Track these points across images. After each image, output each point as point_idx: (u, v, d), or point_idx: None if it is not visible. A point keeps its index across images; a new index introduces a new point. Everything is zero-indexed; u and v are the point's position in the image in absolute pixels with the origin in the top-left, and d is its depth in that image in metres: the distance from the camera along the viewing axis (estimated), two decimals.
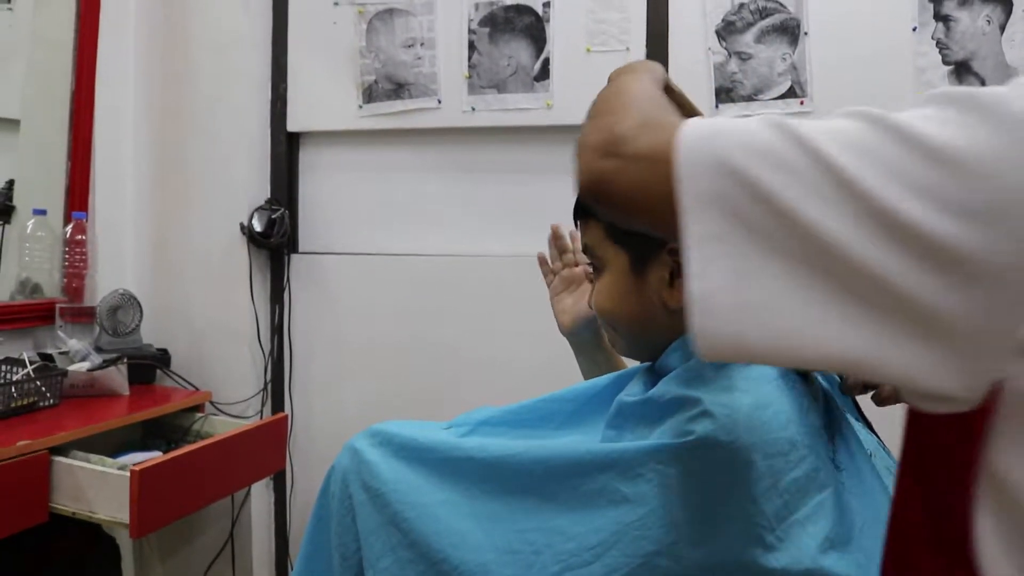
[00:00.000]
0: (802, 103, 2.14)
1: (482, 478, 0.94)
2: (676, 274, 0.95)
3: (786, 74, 2.16)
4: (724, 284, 0.58)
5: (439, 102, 2.34)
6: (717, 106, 2.18)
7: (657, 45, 2.21)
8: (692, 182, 0.60)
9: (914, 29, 2.10)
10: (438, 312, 2.37)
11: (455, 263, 2.36)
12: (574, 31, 2.25)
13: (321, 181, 2.49)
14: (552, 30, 2.27)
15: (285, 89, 2.45)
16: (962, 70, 2.08)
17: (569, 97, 2.26)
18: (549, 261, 1.44)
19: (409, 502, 0.96)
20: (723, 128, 0.61)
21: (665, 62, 2.20)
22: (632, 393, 0.98)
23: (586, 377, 1.40)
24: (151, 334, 2.40)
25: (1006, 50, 2.07)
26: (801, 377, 0.96)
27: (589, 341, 1.35)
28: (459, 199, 2.40)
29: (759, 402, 0.87)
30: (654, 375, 1.01)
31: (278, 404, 2.47)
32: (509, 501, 0.91)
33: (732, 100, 2.18)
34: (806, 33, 2.14)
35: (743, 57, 2.17)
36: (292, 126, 2.46)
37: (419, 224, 2.42)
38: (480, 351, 2.34)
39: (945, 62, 2.09)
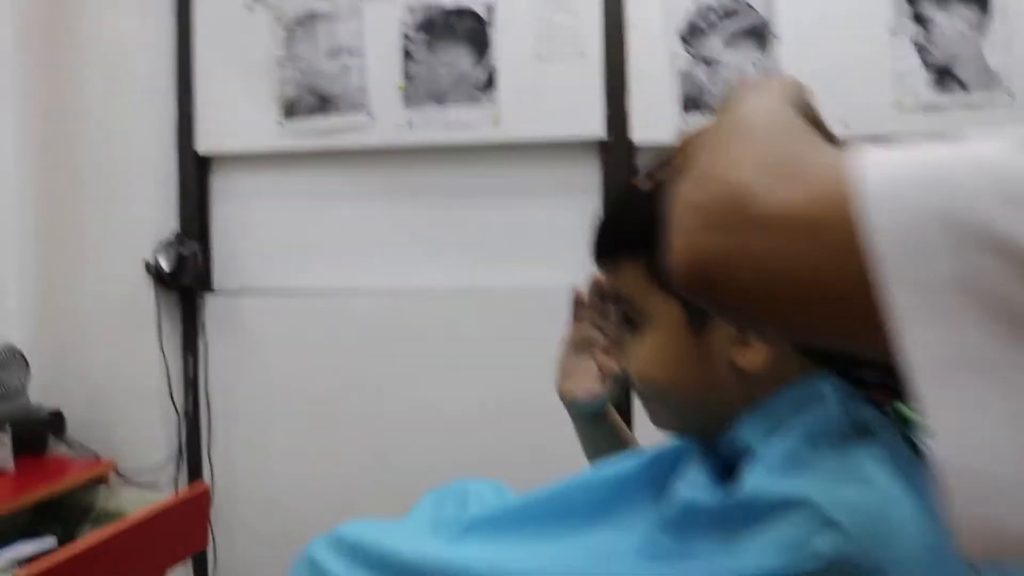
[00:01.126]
0: None
1: None
2: None
3: None
4: (1005, 445, 0.35)
5: (370, 116, 2.07)
6: (685, 117, 1.98)
7: (615, 50, 1.99)
8: (909, 263, 0.36)
9: (892, 32, 1.93)
10: (378, 356, 2.10)
11: (396, 299, 2.10)
12: (522, 36, 2.02)
13: (237, 210, 2.19)
14: (497, 35, 2.03)
15: (192, 106, 2.14)
16: (944, 76, 1.93)
17: (518, 110, 2.02)
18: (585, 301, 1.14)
19: None
20: (936, 162, 0.38)
21: (623, 68, 1.99)
22: (697, 486, 0.74)
23: (587, 451, 1.16)
24: (41, 394, 2.07)
25: (987, 55, 1.92)
26: (910, 446, 0.74)
27: (597, 412, 1.12)
28: (398, 227, 2.13)
29: (887, 496, 0.65)
30: (715, 455, 0.78)
31: (195, 470, 2.15)
32: None
33: (701, 109, 1.98)
34: (777, 37, 1.95)
35: (710, 63, 1.97)
36: (202, 147, 2.15)
37: (353, 256, 2.15)
38: (429, 398, 2.08)
39: (926, 67, 1.93)
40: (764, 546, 0.64)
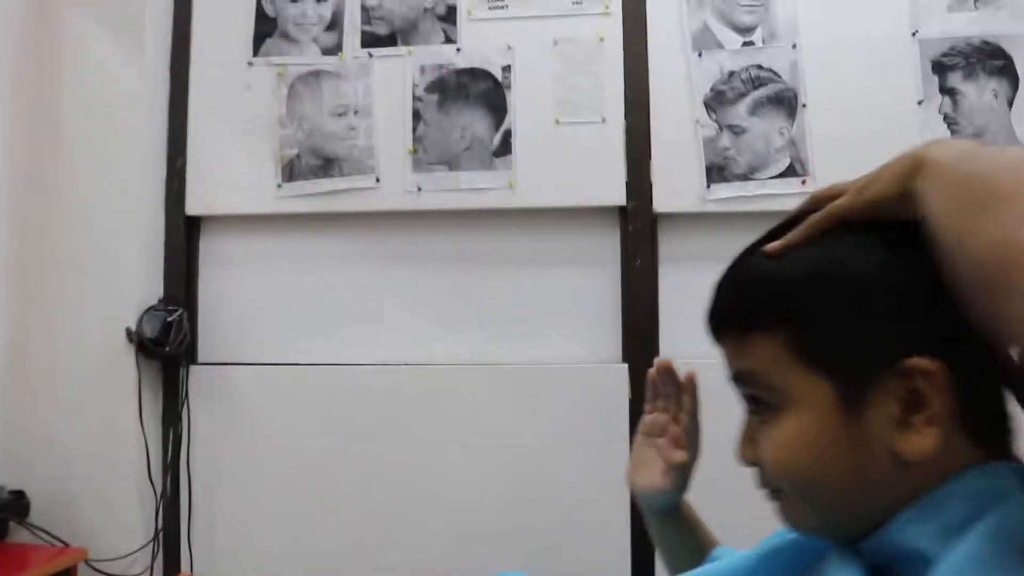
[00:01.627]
0: (804, 183, 1.88)
1: None
2: (913, 407, 0.61)
3: (784, 150, 1.89)
4: None
5: (377, 180, 1.96)
6: (709, 186, 1.89)
7: (638, 116, 1.91)
8: None
9: (920, 103, 1.88)
10: (379, 434, 1.94)
11: (399, 374, 1.95)
12: (540, 99, 1.93)
13: (228, 276, 2.04)
14: (514, 98, 1.94)
15: (184, 163, 2.02)
16: None
17: (535, 175, 1.92)
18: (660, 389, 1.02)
19: None
20: None
21: (647, 134, 1.91)
22: None
23: (659, 550, 1.02)
24: (3, 471, 1.87)
25: (1016, 125, 1.88)
26: None
27: (666, 507, 0.98)
28: (402, 296, 2.00)
29: None
30: (855, 557, 0.65)
31: (173, 559, 1.95)
32: None
33: (725, 179, 1.90)
34: (804, 105, 1.89)
35: (736, 131, 1.90)
36: (192, 208, 2.02)
37: (353, 327, 2.00)
38: (433, 480, 1.92)
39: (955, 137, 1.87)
40: None
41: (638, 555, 1.88)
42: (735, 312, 0.68)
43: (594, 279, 1.96)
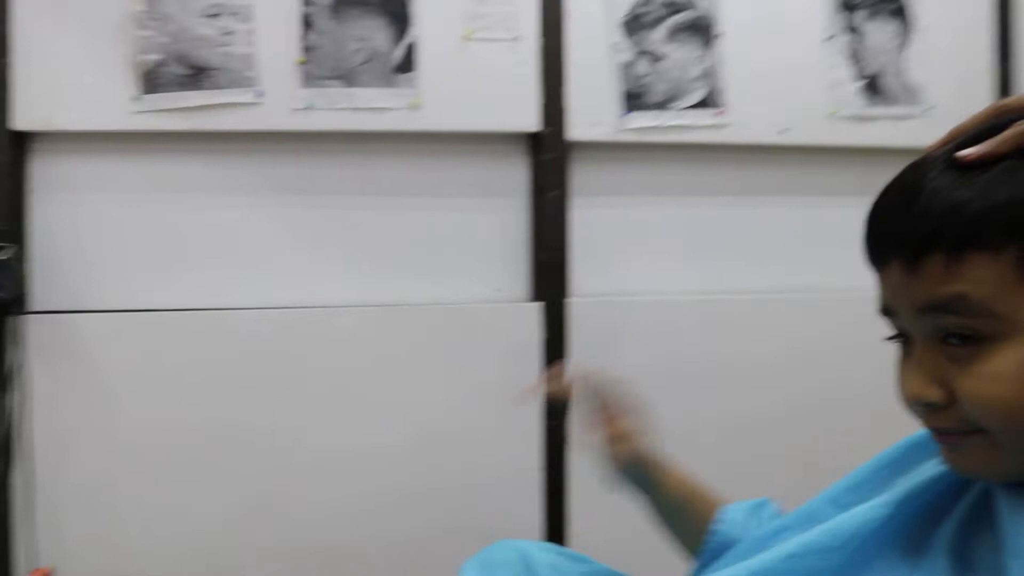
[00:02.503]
0: (720, 114, 1.82)
1: None
2: None
3: (701, 79, 1.83)
4: None
5: (259, 95, 1.69)
6: (625, 114, 1.79)
7: (552, 36, 1.77)
8: None
9: (828, 39, 1.88)
10: (262, 388, 1.69)
11: (283, 319, 1.70)
12: (449, 10, 1.74)
13: (71, 205, 1.69)
14: (419, 7, 1.73)
15: (6, 66, 1.63)
16: (872, 87, 1.90)
17: (443, 95, 1.73)
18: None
19: None
20: None
21: (560, 58, 1.77)
22: None
23: (657, 514, 1.03)
24: None
25: (909, 68, 1.92)
26: None
27: (646, 478, 1.01)
28: (286, 230, 1.74)
29: None
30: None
31: (2, 555, 1.59)
32: None
33: (642, 107, 1.80)
34: (721, 35, 1.83)
35: (654, 57, 1.81)
36: (21, 122, 1.64)
37: (227, 267, 1.72)
38: (326, 439, 1.71)
39: (857, 76, 1.89)
40: None
41: (551, 502, 1.78)
42: (949, 226, 0.57)
43: (501, 212, 1.81)
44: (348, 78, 1.71)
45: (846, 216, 1.83)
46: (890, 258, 0.61)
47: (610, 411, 1.03)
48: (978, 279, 0.56)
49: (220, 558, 1.67)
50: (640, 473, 1.00)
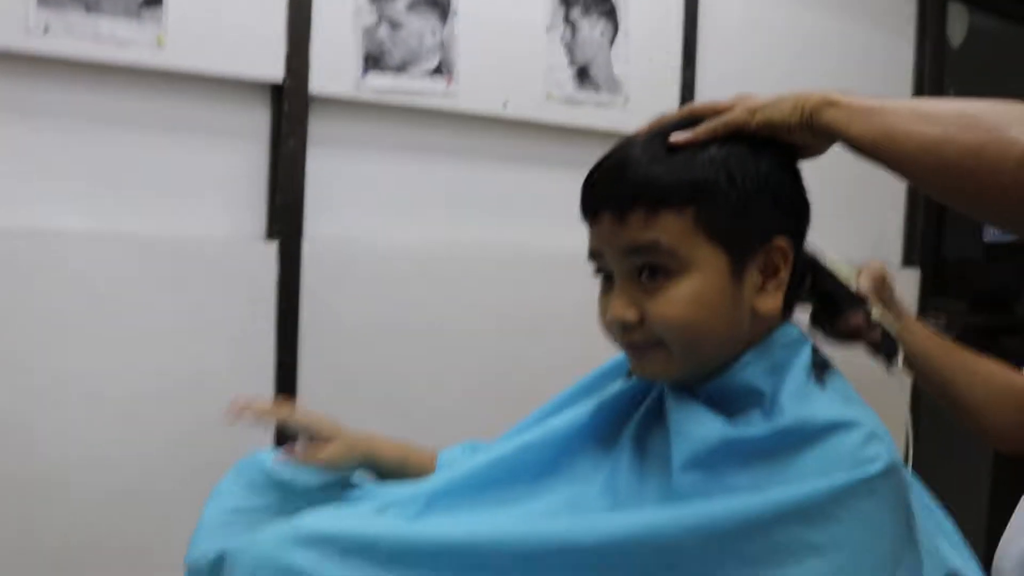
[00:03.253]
0: (448, 83, 2.03)
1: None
2: (768, 273, 0.84)
3: (435, 50, 2.02)
4: None
5: None
6: (365, 73, 1.94)
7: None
8: None
9: (548, 29, 2.14)
10: None
11: (11, 244, 1.69)
12: None
13: None
14: None
15: None
16: (583, 75, 2.19)
17: (190, 35, 1.79)
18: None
19: None
20: None
21: (309, 14, 1.89)
22: (718, 423, 0.80)
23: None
24: None
25: (614, 62, 2.24)
26: None
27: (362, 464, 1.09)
28: (12, 155, 1.72)
29: (874, 412, 0.80)
30: (703, 397, 0.85)
31: None
32: None
33: (380, 69, 1.96)
34: (455, 13, 2.03)
35: (394, 24, 1.97)
36: None
37: None
38: (64, 363, 1.70)
39: (571, 64, 2.18)
40: (823, 464, 0.73)
41: (282, 442, 1.89)
42: (650, 189, 0.81)
43: (242, 155, 1.90)
44: (91, 4, 1.71)
45: (556, 186, 2.11)
46: (602, 212, 0.83)
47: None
48: (668, 230, 0.80)
49: None
50: (355, 463, 1.07)
